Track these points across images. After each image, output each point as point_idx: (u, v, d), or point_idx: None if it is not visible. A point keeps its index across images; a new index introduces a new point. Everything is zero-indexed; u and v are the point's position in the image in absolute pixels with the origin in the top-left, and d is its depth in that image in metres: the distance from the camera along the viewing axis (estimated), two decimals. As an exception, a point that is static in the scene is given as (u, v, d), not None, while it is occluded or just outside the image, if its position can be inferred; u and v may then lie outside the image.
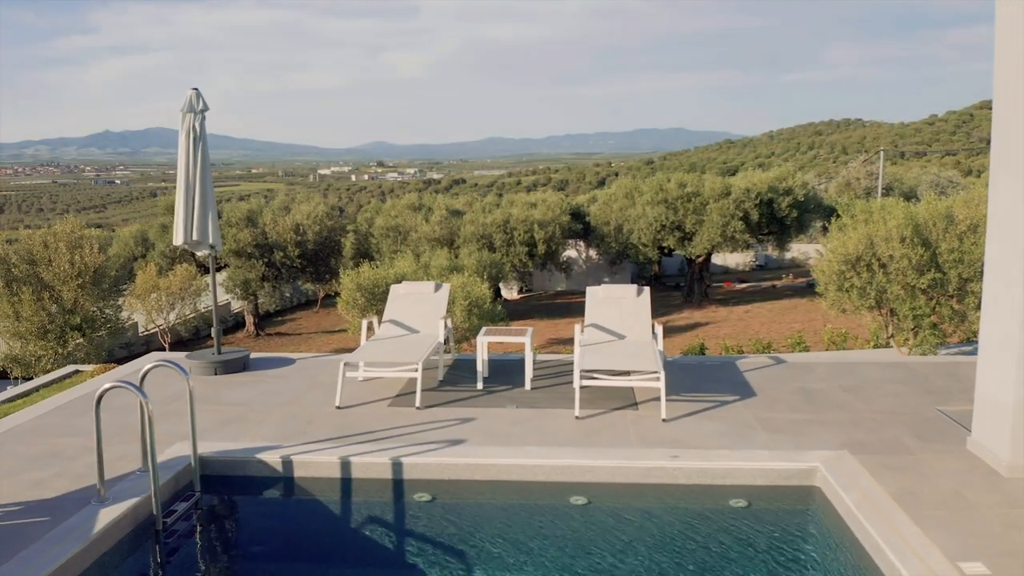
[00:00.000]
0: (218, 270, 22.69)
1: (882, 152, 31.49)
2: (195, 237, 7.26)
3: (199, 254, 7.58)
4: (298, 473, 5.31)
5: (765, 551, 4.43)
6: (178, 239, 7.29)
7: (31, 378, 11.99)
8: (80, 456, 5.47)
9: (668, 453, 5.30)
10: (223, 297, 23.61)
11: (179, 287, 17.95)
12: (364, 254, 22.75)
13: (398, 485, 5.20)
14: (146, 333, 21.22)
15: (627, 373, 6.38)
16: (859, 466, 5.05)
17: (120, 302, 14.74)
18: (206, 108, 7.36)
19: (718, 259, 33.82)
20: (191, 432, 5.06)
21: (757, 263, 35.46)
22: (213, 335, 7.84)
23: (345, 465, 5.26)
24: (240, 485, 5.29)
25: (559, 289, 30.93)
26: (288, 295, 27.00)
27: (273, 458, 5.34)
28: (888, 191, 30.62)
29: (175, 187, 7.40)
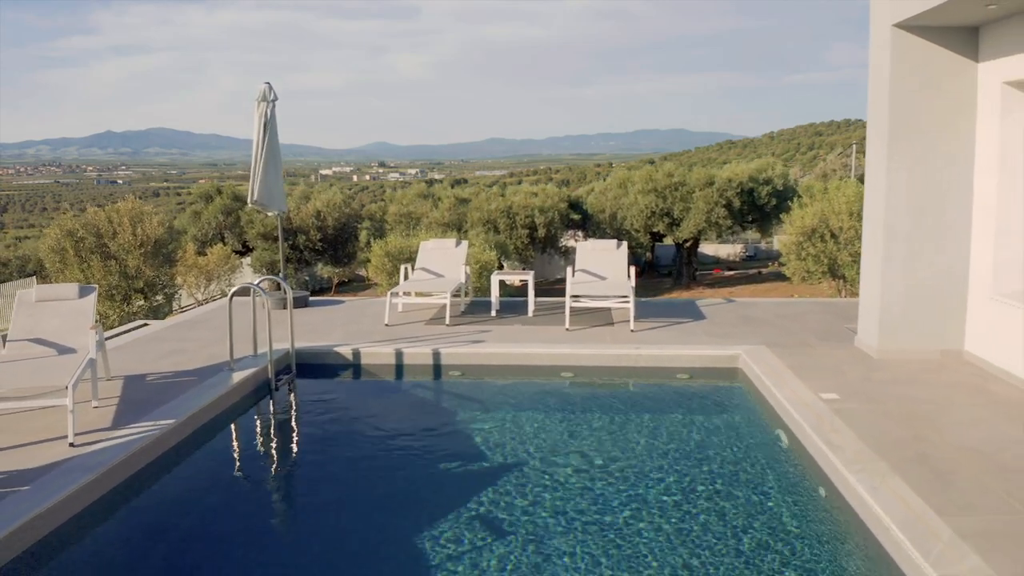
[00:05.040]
0: (246, 252, 24.64)
1: (854, 145, 33.49)
2: (266, 200, 9.17)
3: (269, 213, 9.50)
4: (364, 361, 7.26)
5: (699, 399, 6.37)
6: (258, 199, 9.20)
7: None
8: (200, 350, 7.41)
9: (633, 347, 7.25)
10: (250, 278, 25.53)
11: (215, 265, 19.86)
12: (378, 239, 24.62)
13: (437, 368, 7.16)
14: (179, 311, 23.16)
15: (606, 299, 8.33)
16: (770, 353, 6.99)
17: (173, 270, 16.67)
18: (276, 98, 9.26)
19: (709, 249, 35.74)
20: (290, 328, 7.00)
21: (747, 254, 37.38)
22: (281, 277, 9.76)
23: (399, 354, 7.22)
24: (321, 369, 7.24)
25: (558, 277, 32.84)
26: (307, 279, 28.89)
27: (346, 350, 7.29)
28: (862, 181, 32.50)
29: (251, 156, 9.30)
